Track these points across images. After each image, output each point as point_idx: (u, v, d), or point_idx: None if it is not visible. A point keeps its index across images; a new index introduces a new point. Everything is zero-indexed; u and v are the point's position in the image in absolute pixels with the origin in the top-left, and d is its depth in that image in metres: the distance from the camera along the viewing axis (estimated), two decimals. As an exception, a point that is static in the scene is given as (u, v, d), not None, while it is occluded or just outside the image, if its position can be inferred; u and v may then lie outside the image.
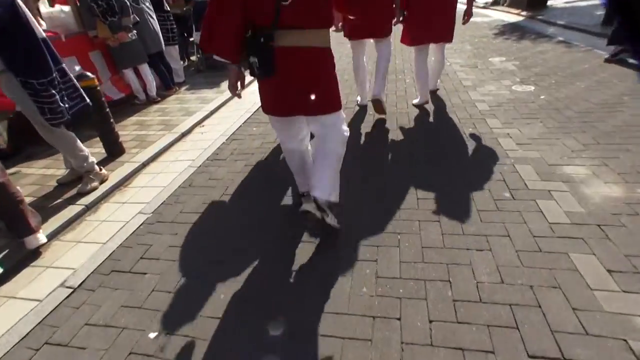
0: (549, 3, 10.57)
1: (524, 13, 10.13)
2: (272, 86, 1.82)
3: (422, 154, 2.94)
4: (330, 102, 1.88)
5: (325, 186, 1.92)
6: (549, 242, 1.88)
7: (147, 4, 5.04)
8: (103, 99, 3.15)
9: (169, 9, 5.73)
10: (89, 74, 2.96)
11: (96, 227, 2.42)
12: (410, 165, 2.77)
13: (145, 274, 1.98)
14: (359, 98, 4.19)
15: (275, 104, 1.88)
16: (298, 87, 1.77)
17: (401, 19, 3.53)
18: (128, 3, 4.50)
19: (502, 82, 4.54)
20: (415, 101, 4.04)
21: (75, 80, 2.56)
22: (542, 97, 3.93)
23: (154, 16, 5.14)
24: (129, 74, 4.82)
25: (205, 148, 3.42)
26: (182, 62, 7.70)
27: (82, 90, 2.59)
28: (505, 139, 3.03)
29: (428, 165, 2.74)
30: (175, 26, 5.88)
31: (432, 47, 3.88)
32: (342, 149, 2.00)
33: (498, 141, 3.00)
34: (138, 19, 4.70)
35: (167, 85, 5.38)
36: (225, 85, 5.59)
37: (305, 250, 2.02)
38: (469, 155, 2.86)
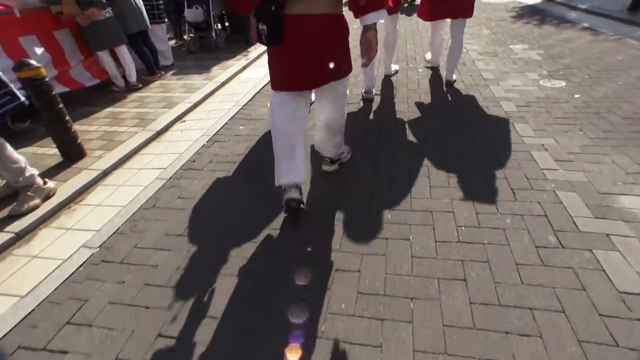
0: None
1: (541, -6, 9.32)
2: (283, 58, 1.76)
3: (440, 178, 2.34)
4: (342, 67, 1.88)
5: (332, 148, 2.31)
6: (627, 329, 1.32)
7: (129, -25, 4.37)
8: (55, 92, 2.56)
9: (153, -18, 5.04)
10: (32, 62, 2.36)
11: (20, 268, 1.82)
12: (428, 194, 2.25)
13: (66, 352, 1.40)
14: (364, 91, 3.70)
15: (287, 75, 1.80)
16: (310, 57, 1.72)
17: None
18: (102, -26, 3.86)
19: (528, 76, 3.92)
20: (428, 57, 4.49)
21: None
22: (576, 96, 3.33)
23: (137, -9, 4.48)
24: (105, 56, 4.19)
25: (180, 152, 2.87)
26: (173, 42, 7.05)
27: (12, 86, 2.03)
28: (541, 153, 2.46)
29: (445, 195, 2.21)
30: (162, 2, 5.20)
31: (450, 27, 3.57)
32: (344, 115, 2.17)
33: (532, 155, 2.44)
34: (112, -7, 4.06)
35: (151, 70, 4.76)
36: (215, 70, 5.01)
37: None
38: (496, 178, 2.25)
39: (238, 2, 1.78)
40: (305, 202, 2.14)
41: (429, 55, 4.52)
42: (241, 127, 3.25)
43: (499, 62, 4.48)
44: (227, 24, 7.22)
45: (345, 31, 1.82)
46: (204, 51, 6.14)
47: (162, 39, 5.37)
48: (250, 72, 5.00)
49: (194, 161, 2.73)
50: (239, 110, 3.63)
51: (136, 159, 2.87)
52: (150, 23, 4.70)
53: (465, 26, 3.48)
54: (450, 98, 3.52)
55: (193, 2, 5.96)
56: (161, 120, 3.44)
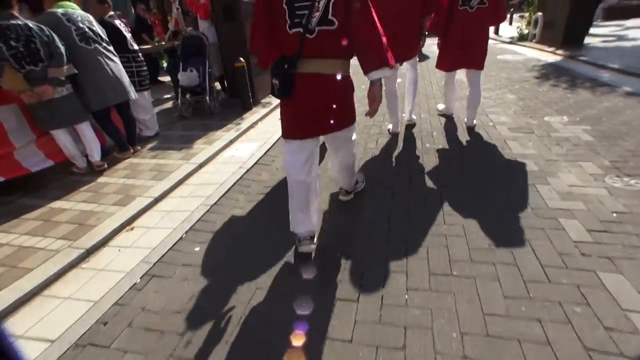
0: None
1: (560, 52, 8.56)
2: (293, 108, 1.94)
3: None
4: (346, 118, 2.04)
5: (347, 182, 2.59)
6: None
7: (105, 44, 3.74)
8: None
9: (135, 47, 4.42)
10: None
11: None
12: None
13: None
14: (390, 126, 4.11)
15: (296, 125, 1.96)
16: (317, 109, 1.90)
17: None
18: (63, 49, 3.17)
19: (585, 167, 2.93)
20: (441, 107, 4.55)
21: None
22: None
23: (116, 58, 3.83)
24: (60, 135, 3.45)
25: (103, 294, 1.94)
26: (171, 103, 6.40)
27: None
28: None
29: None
30: (144, 68, 4.56)
31: (467, 78, 3.91)
32: (354, 157, 2.35)
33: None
34: (76, 70, 3.37)
35: (122, 147, 4.01)
36: (198, 145, 4.22)
37: None
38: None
39: (260, 57, 1.98)
40: (316, 242, 2.23)
41: (441, 106, 4.63)
42: (196, 249, 2.32)
43: (538, 143, 3.53)
44: (226, 84, 6.65)
45: (350, 88, 2.02)
46: (197, 116, 5.47)
47: (145, 107, 4.68)
48: (237, 147, 4.18)
49: (105, 324, 1.78)
50: (202, 216, 2.72)
51: (52, 291, 1.94)
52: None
53: (488, 89, 4.04)
54: (486, 205, 2.57)
55: (188, 64, 5.37)
56: (102, 229, 2.55)
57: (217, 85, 6.69)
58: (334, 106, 1.90)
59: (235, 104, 5.85)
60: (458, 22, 3.51)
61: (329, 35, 1.78)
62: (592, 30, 9.74)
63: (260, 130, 4.83)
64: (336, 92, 1.92)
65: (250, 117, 5.18)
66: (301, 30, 1.76)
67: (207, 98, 5.45)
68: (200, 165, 3.66)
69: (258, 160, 3.74)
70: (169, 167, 3.62)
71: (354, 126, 2.15)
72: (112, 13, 4.22)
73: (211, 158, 3.87)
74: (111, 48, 3.80)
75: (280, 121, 2.05)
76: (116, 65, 3.78)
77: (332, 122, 1.94)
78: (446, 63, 3.87)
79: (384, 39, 1.83)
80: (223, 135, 4.48)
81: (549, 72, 6.93)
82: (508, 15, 12.08)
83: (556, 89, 5.61)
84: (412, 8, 3.35)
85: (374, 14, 1.82)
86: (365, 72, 1.87)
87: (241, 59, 5.23)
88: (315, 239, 2.23)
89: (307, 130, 1.96)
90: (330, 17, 1.75)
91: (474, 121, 3.98)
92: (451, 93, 4.37)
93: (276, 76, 1.86)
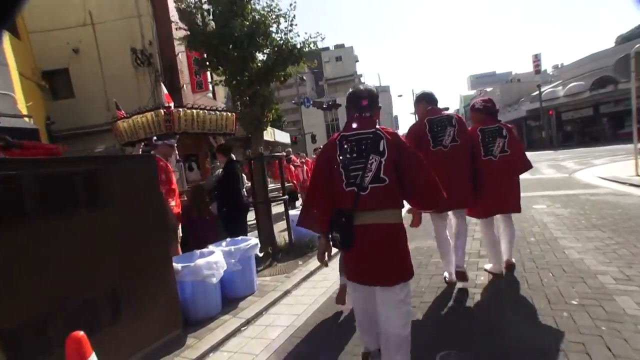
0: None
1: None
2: (353, 256, 2.03)
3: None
4: (401, 272, 1.99)
5: None
6: None
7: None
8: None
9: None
10: None
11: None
12: None
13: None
14: (446, 274, 3.59)
15: (355, 271, 2.07)
16: (373, 257, 1.95)
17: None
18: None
19: None
20: (488, 267, 3.72)
21: None
22: None
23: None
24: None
25: None
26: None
27: None
28: None
29: None
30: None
31: (499, 218, 3.66)
32: (405, 331, 1.99)
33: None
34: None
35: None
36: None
37: None
38: None
39: (315, 222, 2.13)
40: None
41: (488, 265, 3.76)
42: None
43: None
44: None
45: (404, 237, 2.04)
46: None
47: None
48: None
49: None
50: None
51: None
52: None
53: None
54: None
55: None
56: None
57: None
58: (389, 256, 1.96)
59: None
60: (486, 172, 3.41)
61: (380, 190, 1.93)
62: None
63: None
64: (391, 239, 1.97)
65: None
66: (355, 189, 1.94)
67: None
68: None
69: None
70: None
71: (408, 286, 2.03)
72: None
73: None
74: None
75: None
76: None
77: (387, 271, 1.96)
78: (482, 208, 3.53)
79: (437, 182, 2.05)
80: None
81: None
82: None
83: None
84: (462, 160, 3.32)
85: (424, 161, 2.06)
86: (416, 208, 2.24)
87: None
88: None
89: (363, 277, 2.04)
90: (382, 175, 1.94)
91: (513, 259, 3.76)
92: (496, 246, 3.66)
93: (336, 229, 2.00)
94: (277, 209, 7.44)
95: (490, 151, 3.41)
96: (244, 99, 6.59)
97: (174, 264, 3.16)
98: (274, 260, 5.12)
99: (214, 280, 3.28)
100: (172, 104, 6.26)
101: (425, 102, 3.41)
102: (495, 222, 3.72)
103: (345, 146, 2.03)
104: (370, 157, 1.95)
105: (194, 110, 6.13)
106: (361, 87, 2.18)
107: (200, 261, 3.31)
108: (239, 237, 4.27)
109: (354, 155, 1.99)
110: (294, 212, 5.64)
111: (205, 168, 7.63)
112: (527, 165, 3.55)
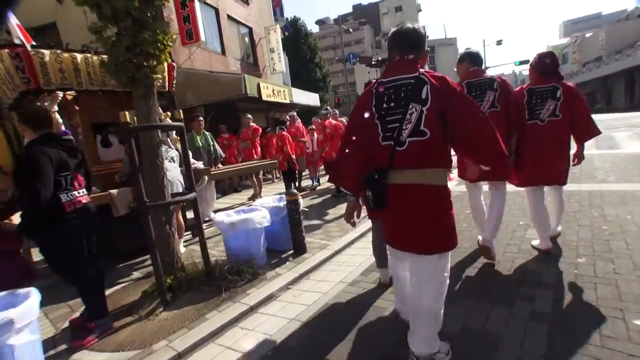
0: None
1: None
2: (388, 219, 1.85)
3: None
4: (441, 238, 1.73)
5: (422, 342, 1.80)
6: None
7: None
8: None
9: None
10: None
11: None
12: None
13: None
14: (480, 237, 3.22)
15: (390, 235, 1.89)
16: (410, 221, 1.74)
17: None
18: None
19: None
20: (535, 243, 3.27)
21: None
22: None
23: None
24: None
25: None
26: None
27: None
28: None
29: None
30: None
31: (547, 191, 3.28)
32: (438, 304, 1.77)
33: None
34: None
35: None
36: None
37: None
38: None
39: (343, 182, 1.97)
40: None
41: (536, 242, 3.26)
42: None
43: None
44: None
45: (447, 204, 1.75)
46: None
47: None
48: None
49: None
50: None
51: None
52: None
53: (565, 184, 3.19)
54: None
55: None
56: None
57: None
58: (428, 221, 1.71)
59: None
60: (529, 137, 3.00)
61: (420, 145, 1.68)
62: None
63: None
64: (430, 202, 1.71)
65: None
66: (392, 143, 1.72)
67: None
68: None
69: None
70: None
71: (447, 256, 1.77)
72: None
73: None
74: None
75: None
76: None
77: (423, 239, 1.71)
78: (519, 175, 3.17)
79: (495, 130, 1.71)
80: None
81: None
82: None
83: None
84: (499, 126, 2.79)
85: (478, 109, 1.76)
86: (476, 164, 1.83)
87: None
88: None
89: (398, 242, 1.85)
90: (422, 128, 1.68)
91: (558, 229, 3.43)
92: (545, 219, 3.18)
93: (369, 187, 1.79)
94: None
95: (537, 114, 3.02)
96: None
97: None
98: (159, 306, 2.75)
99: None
100: (30, 44, 3.50)
101: (469, 62, 3.03)
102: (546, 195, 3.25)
103: (383, 94, 1.76)
104: (410, 107, 1.67)
105: (78, 55, 3.54)
106: (407, 25, 1.85)
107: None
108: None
109: (392, 104, 1.73)
110: (226, 218, 3.43)
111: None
112: (592, 131, 3.03)
